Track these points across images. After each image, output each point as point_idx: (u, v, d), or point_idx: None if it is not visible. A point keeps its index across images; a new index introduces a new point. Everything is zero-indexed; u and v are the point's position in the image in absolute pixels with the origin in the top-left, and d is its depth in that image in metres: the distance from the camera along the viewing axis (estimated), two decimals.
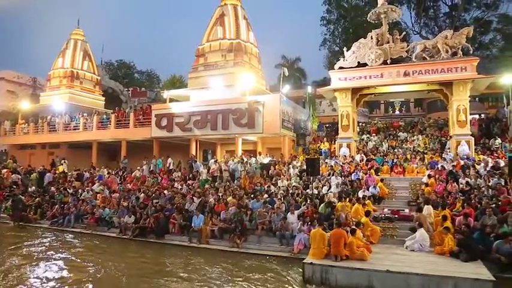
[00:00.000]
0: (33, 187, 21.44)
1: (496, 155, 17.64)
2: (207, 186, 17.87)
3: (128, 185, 20.06)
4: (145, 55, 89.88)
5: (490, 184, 13.98)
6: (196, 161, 21.52)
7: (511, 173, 13.32)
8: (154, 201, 16.10)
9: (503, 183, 13.89)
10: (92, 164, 25.12)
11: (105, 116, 28.52)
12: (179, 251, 13.09)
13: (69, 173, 23.20)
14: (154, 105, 27.97)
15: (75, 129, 28.31)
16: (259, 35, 29.15)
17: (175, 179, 19.63)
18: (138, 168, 22.11)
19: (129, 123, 26.10)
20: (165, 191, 17.41)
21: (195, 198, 15.73)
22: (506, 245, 9.74)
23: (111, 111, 29.83)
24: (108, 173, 22.16)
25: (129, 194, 18.03)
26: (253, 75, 25.30)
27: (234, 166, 19.26)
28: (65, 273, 10.52)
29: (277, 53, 46.92)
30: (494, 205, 11.95)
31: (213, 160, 20.87)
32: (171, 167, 22.17)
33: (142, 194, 17.40)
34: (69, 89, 33.89)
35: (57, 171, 23.80)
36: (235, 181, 18.14)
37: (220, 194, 16.03)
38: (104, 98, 37.20)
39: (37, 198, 19.35)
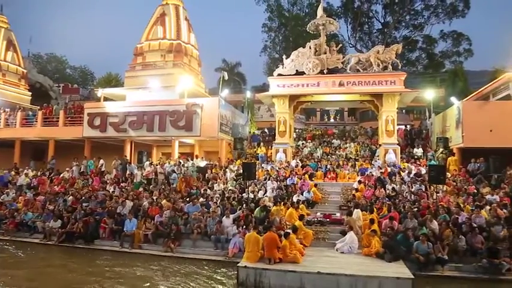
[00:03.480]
0: None
1: (419, 163, 19.05)
2: (141, 189, 17.30)
3: (55, 187, 18.78)
4: (80, 50, 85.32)
5: (412, 190, 15.09)
6: (130, 163, 20.75)
7: (431, 180, 14.45)
8: (84, 204, 15.24)
9: (424, 189, 15.07)
10: (15, 164, 23.21)
11: (30, 113, 26.51)
12: (110, 256, 12.50)
13: None
14: (87, 103, 26.56)
15: None
16: (201, 37, 28.99)
17: (108, 181, 18.76)
18: (67, 169, 20.81)
19: (58, 121, 24.52)
20: (97, 193, 16.54)
21: (128, 202, 15.11)
22: (423, 244, 10.57)
23: (38, 107, 27.82)
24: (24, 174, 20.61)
25: (56, 196, 16.88)
26: (192, 77, 25.04)
27: (170, 169, 18.84)
28: None
29: (218, 56, 47.21)
30: (415, 209, 12.89)
31: (148, 162, 20.24)
32: (103, 169, 21.16)
33: (71, 197, 16.36)
34: None
35: None
36: (172, 184, 17.77)
37: (154, 197, 15.60)
38: (30, 93, 34.46)
39: None
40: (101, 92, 25.34)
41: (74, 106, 26.41)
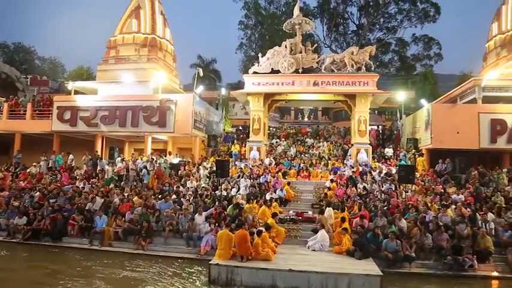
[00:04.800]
0: None
1: (389, 162, 19.51)
2: (112, 185, 16.95)
3: (21, 182, 18.10)
4: (50, 40, 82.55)
5: (383, 189, 15.44)
6: (101, 159, 20.28)
7: (400, 180, 14.83)
8: (51, 200, 14.78)
9: (393, 188, 15.46)
10: None
11: None
12: (79, 254, 12.17)
13: None
14: (56, 96, 25.75)
15: None
16: (176, 32, 28.60)
17: (77, 177, 18.27)
18: (35, 164, 20.11)
19: (25, 113, 23.65)
20: (66, 188, 16.08)
21: (98, 198, 14.77)
22: (392, 242, 10.87)
23: (4, 99, 26.74)
24: None
25: (22, 192, 16.28)
26: (167, 72, 24.70)
27: (142, 165, 18.54)
28: None
29: (193, 52, 46.60)
30: (385, 208, 13.20)
31: (119, 158, 19.84)
32: (73, 164, 20.61)
33: (38, 193, 15.81)
34: None
35: None
36: (143, 180, 17.50)
37: (126, 194, 15.32)
38: None
39: None
40: (71, 85, 24.59)
41: (43, 99, 25.48)
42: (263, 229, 11.05)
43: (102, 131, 22.23)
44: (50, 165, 20.24)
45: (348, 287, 9.01)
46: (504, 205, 13.81)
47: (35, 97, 28.91)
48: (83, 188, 16.62)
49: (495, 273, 10.77)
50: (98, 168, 19.17)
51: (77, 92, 24.57)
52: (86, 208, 14.11)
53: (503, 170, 17.21)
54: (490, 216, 12.61)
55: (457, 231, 11.69)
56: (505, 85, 20.00)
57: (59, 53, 73.04)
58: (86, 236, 13.18)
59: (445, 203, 13.65)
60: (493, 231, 12.00)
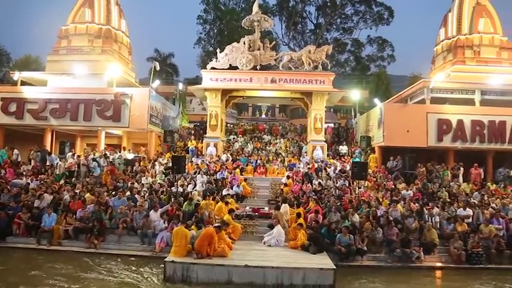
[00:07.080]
0: None
1: (344, 159, 20.08)
2: (62, 181, 16.21)
3: None
4: None
5: (337, 185, 15.87)
6: (50, 154, 19.34)
7: (354, 176, 15.31)
8: None
9: (347, 185, 15.93)
10: None
11: None
12: (24, 254, 11.53)
13: None
14: (0, 86, 24.23)
15: None
16: (132, 24, 27.77)
17: (24, 173, 17.29)
18: None
19: None
20: (12, 183, 15.21)
21: (46, 195, 14.04)
22: (345, 237, 11.24)
23: None
24: None
25: None
26: (122, 65, 23.98)
27: (94, 161, 17.86)
28: None
29: (150, 46, 45.51)
30: (339, 203, 13.59)
31: (70, 153, 18.99)
32: (19, 159, 19.49)
33: None
34: None
35: None
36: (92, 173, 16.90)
37: (77, 191, 14.70)
38: None
39: None
40: (17, 75, 23.20)
41: None
42: (221, 225, 11.02)
43: (52, 125, 21.21)
44: None
45: (302, 280, 9.17)
46: (448, 200, 14.68)
47: None
48: (28, 184, 15.74)
49: (439, 264, 11.47)
50: (47, 163, 18.27)
51: (23, 83, 23.23)
52: (34, 206, 13.40)
53: (448, 168, 18.28)
54: (436, 210, 13.32)
55: (405, 225, 12.29)
56: (450, 87, 21.17)
57: (3, 40, 68.36)
58: (32, 235, 12.49)
59: (395, 198, 14.29)
60: (438, 225, 12.71)
